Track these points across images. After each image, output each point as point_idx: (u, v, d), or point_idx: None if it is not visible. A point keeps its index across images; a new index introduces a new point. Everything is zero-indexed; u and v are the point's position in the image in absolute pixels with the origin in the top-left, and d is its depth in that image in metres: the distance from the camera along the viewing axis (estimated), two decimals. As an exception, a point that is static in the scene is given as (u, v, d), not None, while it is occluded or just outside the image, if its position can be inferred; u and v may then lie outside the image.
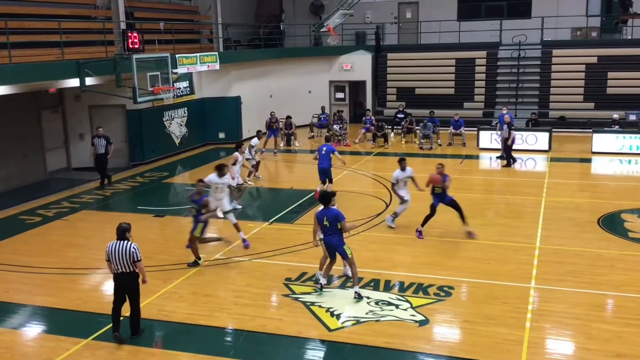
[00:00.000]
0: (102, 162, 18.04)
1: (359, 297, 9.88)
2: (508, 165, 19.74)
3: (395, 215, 13.53)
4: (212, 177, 12.56)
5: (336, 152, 15.77)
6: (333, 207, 10.11)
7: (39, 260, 12.16)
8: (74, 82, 16.74)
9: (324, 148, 15.43)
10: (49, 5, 18.42)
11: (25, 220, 14.86)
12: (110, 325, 9.11)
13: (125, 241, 8.65)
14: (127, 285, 8.74)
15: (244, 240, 12.52)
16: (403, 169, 13.24)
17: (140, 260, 8.66)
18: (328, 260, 10.28)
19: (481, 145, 22.54)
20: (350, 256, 9.94)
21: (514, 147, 20.13)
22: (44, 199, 16.53)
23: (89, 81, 16.77)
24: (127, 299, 8.81)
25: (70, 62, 16.40)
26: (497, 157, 20.68)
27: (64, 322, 9.59)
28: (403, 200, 13.33)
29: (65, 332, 9.11)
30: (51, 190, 17.63)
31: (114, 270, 8.68)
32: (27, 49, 16.41)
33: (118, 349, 8.59)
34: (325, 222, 9.93)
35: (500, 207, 15.72)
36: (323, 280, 10.29)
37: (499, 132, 21.09)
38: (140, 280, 8.83)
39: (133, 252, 8.60)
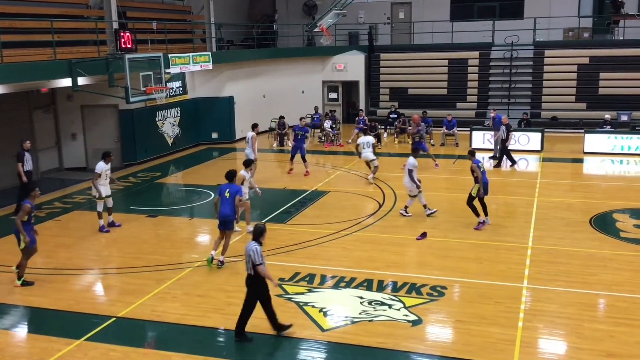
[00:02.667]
0: (31, 180, 15.35)
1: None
2: (499, 165, 19.86)
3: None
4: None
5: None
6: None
7: (31, 260, 12.07)
8: (66, 82, 16.67)
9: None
10: (41, 4, 18.35)
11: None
12: (103, 326, 9.11)
13: (251, 243, 8.64)
14: (251, 286, 8.67)
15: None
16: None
17: (262, 263, 8.56)
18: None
19: (474, 146, 22.54)
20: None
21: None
22: (37, 198, 16.36)
23: (81, 81, 16.70)
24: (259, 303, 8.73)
25: (63, 61, 16.33)
26: (490, 158, 20.74)
27: (56, 323, 9.55)
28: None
29: (58, 333, 9.07)
30: (43, 190, 17.47)
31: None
32: (19, 48, 16.33)
33: (111, 349, 8.55)
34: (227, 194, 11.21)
35: (492, 207, 15.71)
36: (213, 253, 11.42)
37: (492, 133, 21.16)
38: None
39: (252, 254, 8.54)
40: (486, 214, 13.68)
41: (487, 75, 28.12)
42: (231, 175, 11.63)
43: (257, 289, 8.64)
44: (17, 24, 16.67)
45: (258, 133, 16.34)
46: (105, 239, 13.26)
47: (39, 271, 11.49)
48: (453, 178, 18.34)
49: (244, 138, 22.50)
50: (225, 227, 11.41)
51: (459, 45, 28.76)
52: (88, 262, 11.93)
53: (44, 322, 9.69)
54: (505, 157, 20.02)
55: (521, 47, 27.83)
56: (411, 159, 14.24)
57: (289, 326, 8.88)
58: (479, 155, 21.38)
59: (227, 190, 11.33)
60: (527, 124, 23.69)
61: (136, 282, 10.87)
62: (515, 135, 22.06)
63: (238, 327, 8.73)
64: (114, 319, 9.49)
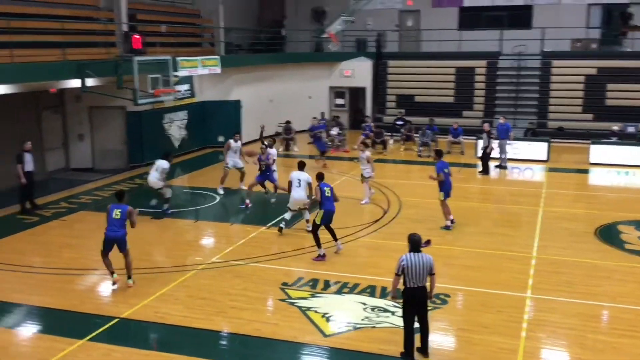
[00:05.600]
0: (32, 181, 15.58)
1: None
2: (486, 173, 20.04)
3: None
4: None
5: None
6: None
7: (36, 260, 12.17)
8: (75, 83, 16.79)
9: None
10: (52, 5, 18.47)
11: (23, 220, 14.86)
12: (106, 327, 9.14)
13: (420, 253, 8.18)
14: (423, 300, 8.24)
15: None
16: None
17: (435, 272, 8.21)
18: None
19: (479, 154, 22.53)
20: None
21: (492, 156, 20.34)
22: (43, 198, 16.50)
23: (89, 82, 16.81)
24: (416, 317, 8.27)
25: (72, 62, 16.44)
26: (496, 167, 20.73)
27: (59, 323, 9.59)
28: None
29: (61, 333, 9.11)
30: (50, 190, 17.63)
31: (409, 285, 8.11)
32: (29, 49, 16.42)
33: (113, 350, 8.59)
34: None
35: (496, 216, 15.75)
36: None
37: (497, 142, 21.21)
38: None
39: (433, 264, 8.20)
40: (336, 240, 12.46)
41: (494, 84, 28.11)
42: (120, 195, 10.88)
43: (426, 301, 8.30)
44: (27, 24, 16.78)
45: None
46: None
47: (44, 271, 11.54)
48: (457, 186, 18.25)
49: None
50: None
51: (467, 53, 28.78)
52: (93, 262, 11.96)
53: (47, 321, 9.73)
54: (482, 163, 20.11)
55: (529, 57, 27.83)
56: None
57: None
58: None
59: (119, 210, 10.52)
60: (533, 134, 23.67)
61: (140, 284, 10.89)
62: (521, 144, 22.07)
63: (422, 347, 8.34)
64: (117, 319, 9.52)
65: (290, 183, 13.36)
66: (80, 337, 8.92)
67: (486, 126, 20.24)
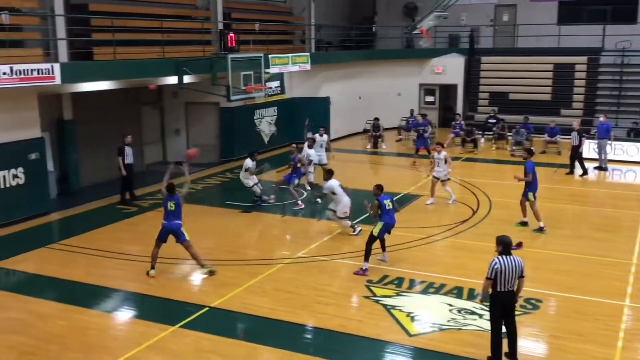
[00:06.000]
0: (132, 173, 16.40)
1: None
2: (571, 173, 19.30)
3: None
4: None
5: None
6: None
7: (133, 248, 12.77)
8: (173, 80, 17.50)
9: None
10: (152, 5, 19.27)
11: (122, 210, 15.65)
12: (196, 315, 9.46)
13: (512, 256, 7.92)
14: (512, 304, 8.01)
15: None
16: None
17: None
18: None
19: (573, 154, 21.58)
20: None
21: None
22: (141, 189, 17.26)
23: (186, 79, 17.47)
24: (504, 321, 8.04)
25: (170, 60, 17.13)
26: (595, 168, 19.76)
27: (153, 309, 10.02)
28: None
29: (154, 319, 9.51)
30: (147, 182, 18.43)
31: (500, 289, 7.84)
32: (130, 46, 17.24)
33: (202, 337, 8.88)
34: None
35: (595, 220, 14.99)
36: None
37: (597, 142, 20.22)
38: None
39: (523, 266, 7.94)
40: (384, 250, 11.78)
41: (595, 82, 26.72)
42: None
43: (514, 305, 8.07)
44: (129, 23, 17.61)
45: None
46: (200, 232, 13.72)
47: (140, 258, 12.08)
48: (555, 188, 17.59)
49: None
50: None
51: (566, 49, 27.50)
52: (185, 252, 12.40)
53: (142, 307, 10.18)
54: (578, 164, 19.19)
55: (633, 54, 26.24)
56: None
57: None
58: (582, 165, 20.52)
59: (172, 202, 11.12)
60: (636, 134, 22.37)
61: (229, 275, 11.21)
62: (624, 145, 20.93)
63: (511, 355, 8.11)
64: (207, 308, 9.83)
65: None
66: (172, 323, 9.28)
67: (575, 124, 19.31)
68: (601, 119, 20.55)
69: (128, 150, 16.11)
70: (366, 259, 11.18)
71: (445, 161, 15.66)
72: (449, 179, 15.99)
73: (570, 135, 19.56)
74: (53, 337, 8.94)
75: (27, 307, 9.97)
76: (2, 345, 8.73)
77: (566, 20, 29.08)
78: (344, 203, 13.37)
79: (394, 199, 12.26)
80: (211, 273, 11.18)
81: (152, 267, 11.20)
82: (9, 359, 8.35)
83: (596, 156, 20.35)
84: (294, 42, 26.47)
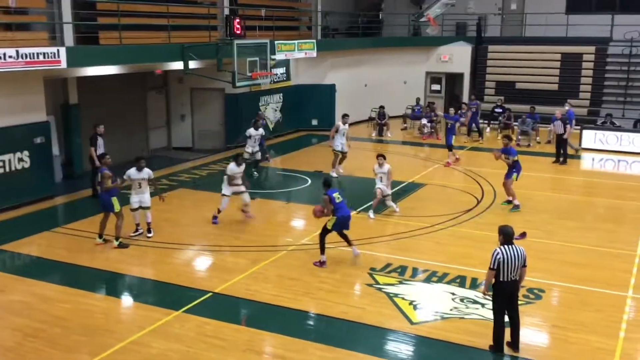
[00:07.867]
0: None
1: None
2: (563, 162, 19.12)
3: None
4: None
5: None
6: None
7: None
8: (178, 65, 17.45)
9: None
10: (159, -12, 19.16)
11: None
12: (200, 300, 9.49)
13: (514, 246, 7.95)
14: (515, 294, 8.03)
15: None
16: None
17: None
18: None
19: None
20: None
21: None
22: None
23: (192, 64, 17.42)
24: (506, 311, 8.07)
25: (176, 45, 17.07)
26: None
27: (157, 293, 10.09)
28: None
29: (158, 303, 9.56)
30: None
31: (503, 279, 7.85)
32: (136, 31, 17.19)
33: (205, 322, 8.92)
34: None
35: (600, 210, 14.96)
36: None
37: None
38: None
39: (526, 256, 7.96)
40: (350, 245, 11.25)
41: (603, 72, 26.54)
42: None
43: (517, 294, 8.09)
44: (135, 7, 17.52)
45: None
46: (205, 218, 13.75)
47: (145, 243, 12.13)
48: (559, 178, 17.55)
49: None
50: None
51: (574, 39, 27.29)
52: (189, 237, 12.47)
53: (146, 292, 10.25)
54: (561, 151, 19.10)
55: (642, 44, 26.03)
56: None
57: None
58: (588, 156, 20.45)
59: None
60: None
61: (233, 261, 11.26)
62: (630, 136, 20.80)
63: (513, 342, 8.15)
64: (210, 294, 9.88)
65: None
66: (176, 308, 9.33)
67: (558, 113, 19.12)
68: (567, 107, 20.29)
69: (100, 141, 15.10)
70: (322, 251, 10.99)
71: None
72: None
73: (554, 124, 19.37)
74: (57, 320, 9.00)
75: (31, 290, 10.04)
76: (6, 327, 8.80)
77: (574, 9, 28.81)
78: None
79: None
80: (122, 246, 11.79)
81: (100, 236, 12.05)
82: (13, 341, 8.41)
83: (602, 147, 20.27)
84: (300, 29, 26.35)
